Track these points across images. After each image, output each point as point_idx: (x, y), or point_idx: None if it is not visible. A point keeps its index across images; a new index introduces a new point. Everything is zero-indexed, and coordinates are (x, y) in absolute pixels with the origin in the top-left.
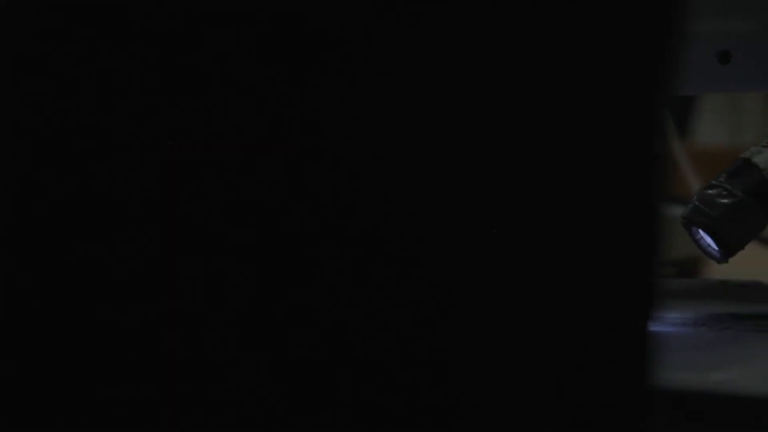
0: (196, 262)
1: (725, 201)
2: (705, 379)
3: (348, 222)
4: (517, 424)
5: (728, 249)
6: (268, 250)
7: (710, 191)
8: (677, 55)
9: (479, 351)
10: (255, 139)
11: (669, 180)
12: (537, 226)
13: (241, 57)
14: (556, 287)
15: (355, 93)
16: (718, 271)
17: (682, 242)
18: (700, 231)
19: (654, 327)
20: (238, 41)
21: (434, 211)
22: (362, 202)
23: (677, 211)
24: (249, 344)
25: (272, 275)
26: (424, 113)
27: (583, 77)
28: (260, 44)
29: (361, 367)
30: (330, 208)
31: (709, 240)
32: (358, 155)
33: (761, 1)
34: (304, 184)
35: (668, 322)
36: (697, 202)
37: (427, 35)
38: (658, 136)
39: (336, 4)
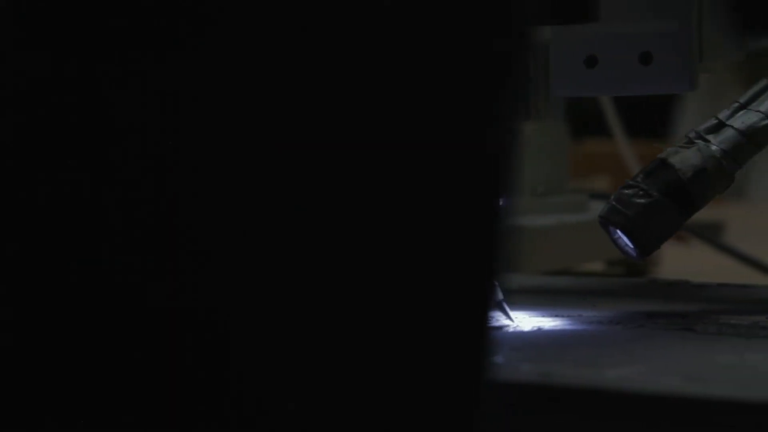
0: None
1: (641, 201)
2: (599, 376)
3: (145, 219)
4: (340, 420)
5: (644, 248)
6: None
7: (627, 191)
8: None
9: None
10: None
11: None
12: (367, 223)
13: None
14: (383, 282)
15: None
16: (668, 270)
17: None
18: (618, 230)
19: (567, 325)
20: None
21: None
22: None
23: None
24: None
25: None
26: (234, 109)
27: (418, 77)
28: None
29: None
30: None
31: (626, 239)
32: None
33: (682, 2)
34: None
35: (585, 320)
36: (613, 202)
37: (224, 28)
38: (501, 138)
39: None
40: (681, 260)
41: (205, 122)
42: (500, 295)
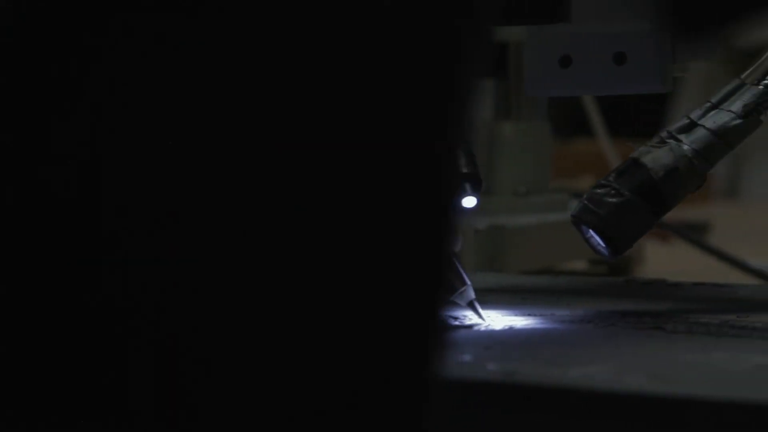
0: None
1: (613, 200)
2: (563, 375)
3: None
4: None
5: (616, 248)
6: None
7: (599, 190)
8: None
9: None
10: None
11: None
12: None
13: None
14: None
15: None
16: (651, 270)
17: None
18: (590, 230)
19: (538, 324)
20: None
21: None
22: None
23: None
24: None
25: None
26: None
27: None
28: None
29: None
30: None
31: (598, 239)
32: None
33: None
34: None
35: (557, 319)
36: (586, 201)
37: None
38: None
39: None
40: (665, 259)
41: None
42: (472, 295)
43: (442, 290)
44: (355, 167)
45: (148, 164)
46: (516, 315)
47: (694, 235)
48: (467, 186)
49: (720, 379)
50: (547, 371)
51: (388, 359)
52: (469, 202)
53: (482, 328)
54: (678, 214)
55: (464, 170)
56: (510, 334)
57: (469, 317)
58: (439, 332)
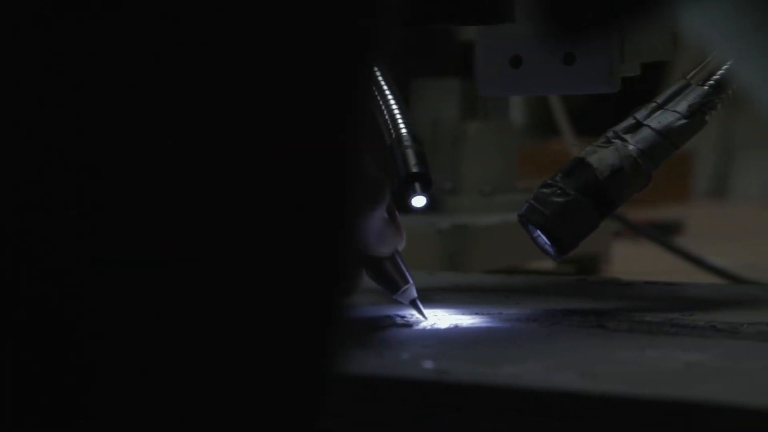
0: None
1: (559, 200)
2: (495, 373)
3: None
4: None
5: (562, 247)
6: None
7: (545, 190)
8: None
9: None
10: None
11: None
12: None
13: None
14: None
15: None
16: (620, 269)
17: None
18: (537, 229)
19: (484, 323)
20: None
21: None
22: None
23: None
24: None
25: None
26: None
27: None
28: None
29: None
30: None
31: (544, 238)
32: None
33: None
34: None
35: (503, 317)
36: (532, 201)
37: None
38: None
39: None
40: (633, 259)
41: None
42: (414, 293)
43: (341, 287)
44: (252, 165)
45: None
46: (463, 314)
47: (667, 234)
48: (417, 186)
49: (647, 377)
50: (480, 369)
51: (283, 355)
52: (418, 201)
53: (428, 326)
54: (654, 213)
55: (414, 170)
56: (453, 332)
57: (415, 316)
58: (337, 329)
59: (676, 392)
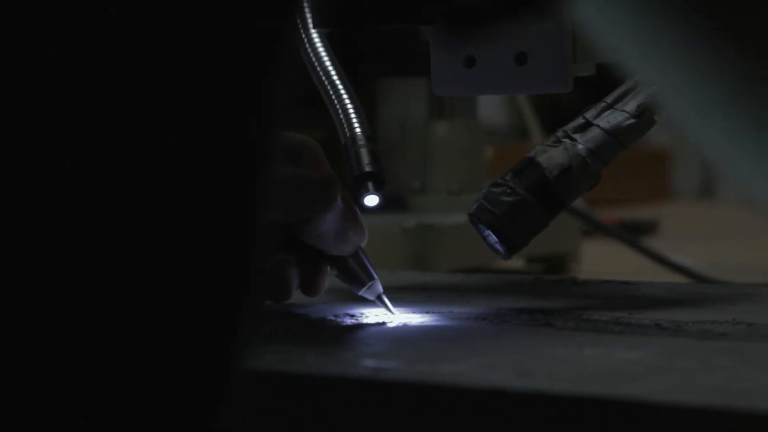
0: None
1: (508, 199)
2: (432, 372)
3: None
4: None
5: (511, 246)
6: None
7: (495, 189)
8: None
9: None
10: None
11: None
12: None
13: None
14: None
15: None
16: (588, 268)
17: (549, 239)
18: (486, 228)
19: (433, 321)
20: None
21: None
22: None
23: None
24: None
25: None
26: None
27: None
28: None
29: None
30: None
31: (494, 237)
32: None
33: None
34: None
35: (453, 316)
36: (482, 200)
37: None
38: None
39: None
40: (602, 258)
41: None
42: (380, 289)
43: (249, 285)
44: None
45: None
46: (414, 312)
47: (641, 234)
48: (369, 184)
49: (582, 375)
50: (417, 368)
51: (186, 355)
52: (370, 200)
53: (377, 325)
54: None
55: (367, 169)
56: (400, 331)
57: (365, 314)
58: (245, 328)
59: (605, 390)
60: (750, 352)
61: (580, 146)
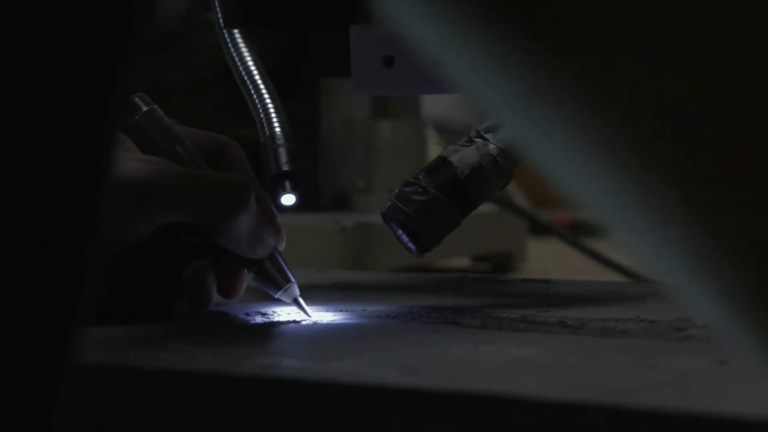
0: None
1: (419, 198)
2: (321, 368)
3: None
4: None
5: (422, 245)
6: None
7: (407, 188)
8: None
9: None
10: None
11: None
12: None
13: None
14: None
15: None
16: (534, 268)
17: (495, 238)
18: (399, 227)
19: (344, 319)
20: None
21: None
22: None
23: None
24: None
25: None
26: None
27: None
28: None
29: None
30: None
31: (406, 236)
32: None
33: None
34: None
35: (365, 314)
36: (394, 199)
37: None
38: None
39: None
40: (548, 257)
41: None
42: (296, 292)
43: (82, 289)
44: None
45: None
46: (327, 311)
47: (593, 234)
48: (286, 184)
49: (466, 372)
50: (307, 365)
51: (12, 358)
52: (287, 199)
53: (287, 323)
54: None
55: (284, 168)
56: (305, 329)
57: (277, 313)
58: (75, 329)
59: (478, 386)
60: (643, 349)
61: (491, 146)
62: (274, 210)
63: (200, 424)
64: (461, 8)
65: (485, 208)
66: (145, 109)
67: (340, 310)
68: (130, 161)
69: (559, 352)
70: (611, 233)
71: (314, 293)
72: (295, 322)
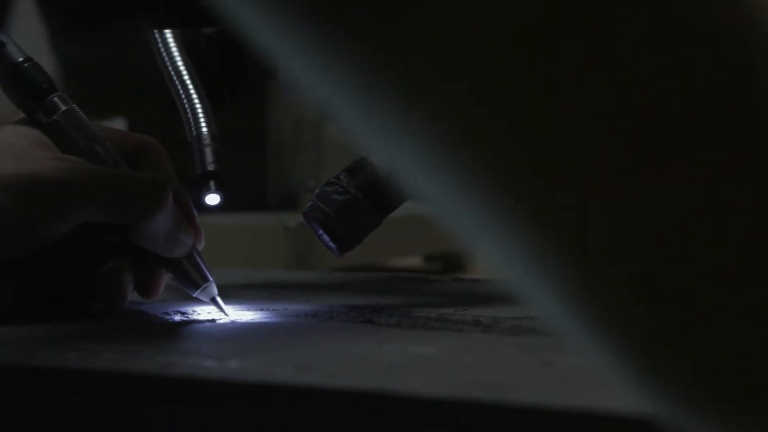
0: None
1: (340, 197)
2: (219, 367)
3: None
4: None
5: (342, 245)
6: None
7: (328, 188)
8: None
9: None
10: None
11: None
12: None
13: None
14: None
15: None
16: (484, 268)
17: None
18: (319, 227)
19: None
20: None
21: None
22: None
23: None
24: None
25: None
26: None
27: None
28: None
29: None
30: None
31: (327, 236)
32: None
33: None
34: None
35: (285, 313)
36: (315, 199)
37: None
38: None
39: None
40: None
41: None
42: (214, 291)
43: None
44: None
45: None
46: (249, 310)
47: None
48: (211, 183)
49: (360, 369)
50: (206, 363)
51: None
52: (211, 199)
53: (205, 322)
54: None
55: (209, 168)
56: (221, 327)
57: (197, 312)
58: None
59: (365, 384)
60: (543, 347)
61: None
62: (194, 210)
63: (102, 423)
64: (291, 11)
65: None
66: (63, 108)
67: (261, 309)
68: (47, 160)
69: (459, 349)
70: (457, 231)
71: (242, 292)
72: (212, 321)
